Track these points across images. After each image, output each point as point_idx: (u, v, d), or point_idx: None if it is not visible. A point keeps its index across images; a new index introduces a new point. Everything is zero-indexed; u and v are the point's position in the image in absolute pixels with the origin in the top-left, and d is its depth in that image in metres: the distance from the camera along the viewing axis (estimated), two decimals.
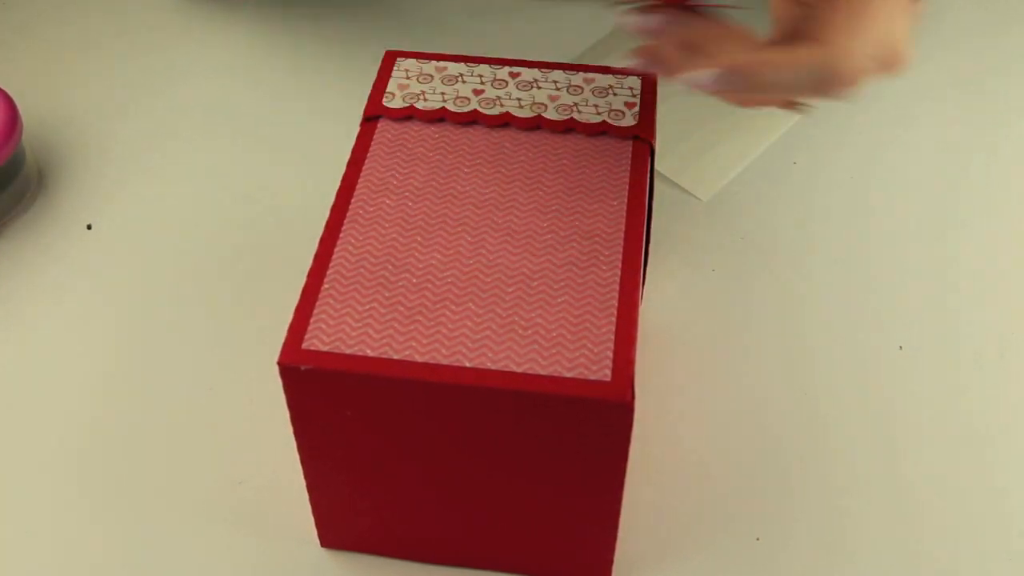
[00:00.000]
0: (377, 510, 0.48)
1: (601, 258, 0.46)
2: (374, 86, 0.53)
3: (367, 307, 0.44)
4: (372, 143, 0.51)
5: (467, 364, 0.42)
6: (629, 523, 0.51)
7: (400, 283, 0.45)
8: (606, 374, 0.41)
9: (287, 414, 0.45)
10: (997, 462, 0.54)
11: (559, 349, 0.42)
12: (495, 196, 0.48)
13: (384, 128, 0.51)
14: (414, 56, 0.55)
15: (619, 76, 0.54)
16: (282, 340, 0.43)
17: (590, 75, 0.54)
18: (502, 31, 0.78)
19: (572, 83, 0.53)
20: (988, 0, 0.82)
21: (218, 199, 0.67)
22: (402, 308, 0.44)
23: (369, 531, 0.49)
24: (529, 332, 0.43)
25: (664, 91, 0.73)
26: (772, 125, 0.71)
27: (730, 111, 0.72)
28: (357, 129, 0.52)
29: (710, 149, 0.70)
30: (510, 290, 0.44)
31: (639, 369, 0.58)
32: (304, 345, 0.42)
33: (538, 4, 0.81)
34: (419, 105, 0.52)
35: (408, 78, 0.53)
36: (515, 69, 0.54)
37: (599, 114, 0.52)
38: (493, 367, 0.42)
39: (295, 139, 0.71)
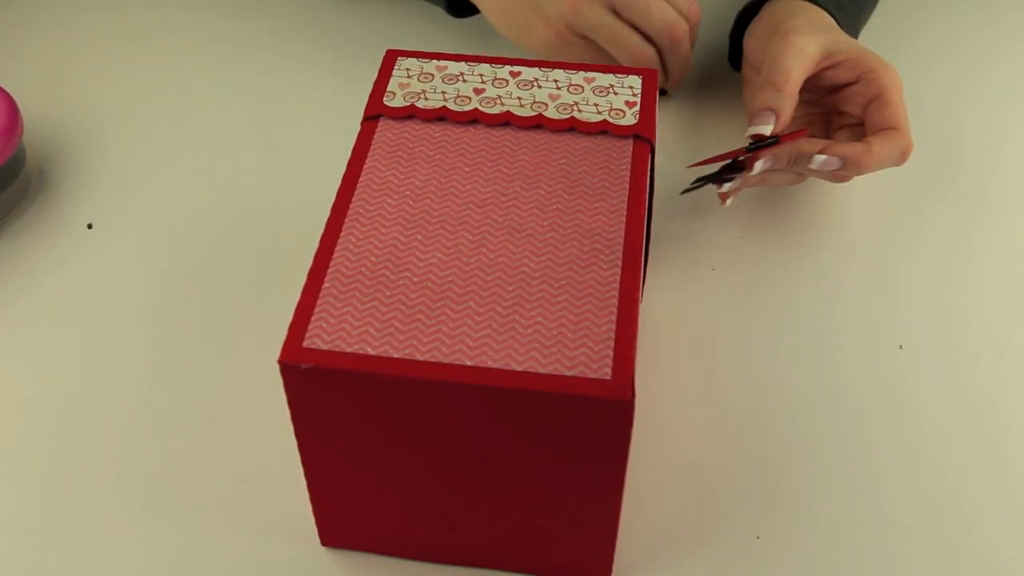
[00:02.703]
0: (377, 509, 0.48)
1: (601, 257, 0.46)
2: (375, 85, 0.53)
3: (368, 306, 0.44)
4: (373, 142, 0.51)
5: (467, 362, 0.42)
6: (629, 523, 0.52)
7: (401, 282, 0.45)
8: (606, 372, 0.41)
9: (288, 413, 0.45)
10: (997, 461, 0.54)
11: (559, 347, 0.42)
12: (496, 195, 0.48)
13: (385, 127, 0.51)
14: (415, 55, 0.55)
15: (619, 75, 0.54)
16: (283, 339, 0.43)
17: (590, 74, 0.54)
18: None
19: (572, 82, 0.53)
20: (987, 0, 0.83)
21: (218, 199, 0.67)
22: (403, 307, 0.44)
23: (369, 530, 0.49)
24: (529, 330, 0.43)
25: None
26: None
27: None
28: (357, 128, 0.52)
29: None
30: (510, 289, 0.44)
31: (639, 368, 0.58)
32: (305, 344, 0.42)
33: None
34: (420, 104, 0.52)
35: (409, 77, 0.53)
36: (515, 68, 0.54)
37: (599, 113, 0.52)
38: (493, 365, 0.42)
39: (295, 139, 0.71)
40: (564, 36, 0.67)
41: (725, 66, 0.75)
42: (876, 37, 0.78)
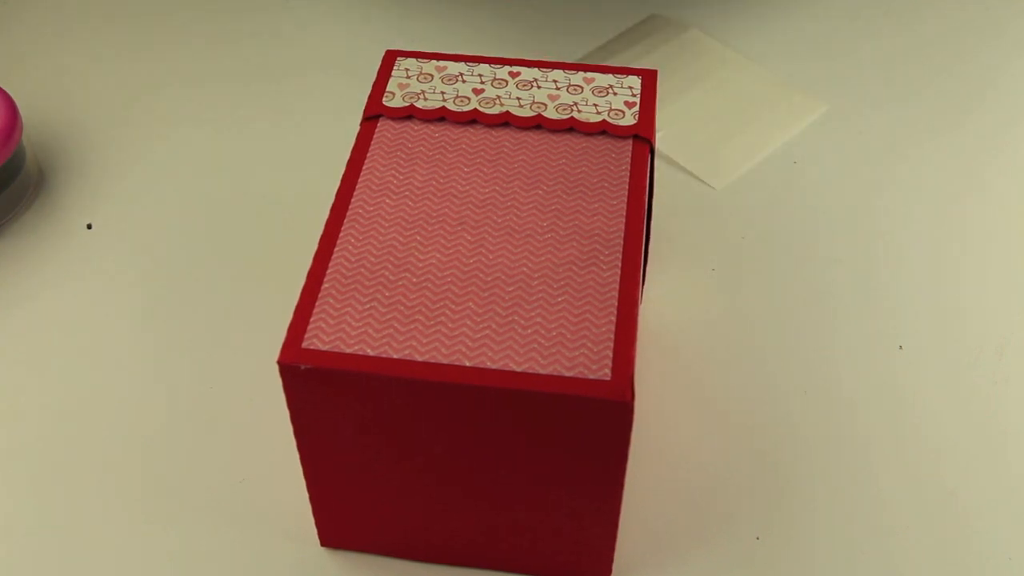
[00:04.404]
0: (377, 509, 0.48)
1: (601, 257, 0.46)
2: (374, 85, 0.53)
3: (367, 306, 0.44)
4: (372, 142, 0.51)
5: (467, 363, 0.42)
6: (629, 523, 0.52)
7: (400, 282, 0.45)
8: (606, 373, 0.41)
9: (287, 413, 0.45)
10: (997, 461, 0.54)
11: (559, 348, 0.42)
12: (495, 195, 0.48)
13: (384, 127, 0.51)
14: (414, 55, 0.55)
15: (619, 75, 0.54)
16: (282, 339, 0.43)
17: (590, 74, 0.54)
18: (502, 30, 0.79)
19: (572, 82, 0.53)
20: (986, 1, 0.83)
21: (218, 199, 0.67)
22: (402, 307, 0.44)
23: (369, 530, 0.49)
24: (529, 331, 0.43)
25: (682, 86, 0.73)
26: (789, 120, 0.71)
27: (749, 105, 0.72)
28: (357, 129, 0.52)
29: (727, 141, 0.70)
30: (510, 289, 0.44)
31: (639, 369, 0.58)
32: (304, 344, 0.42)
33: (539, 3, 0.81)
34: (419, 104, 0.52)
35: (408, 77, 0.53)
36: (515, 68, 0.54)
37: (599, 113, 0.52)
38: (493, 366, 0.42)
39: (294, 139, 0.71)
40: None
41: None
42: (874, 33, 0.78)
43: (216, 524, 0.52)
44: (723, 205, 0.66)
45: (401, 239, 0.46)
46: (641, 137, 0.51)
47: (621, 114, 0.52)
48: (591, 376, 0.41)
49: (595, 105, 0.52)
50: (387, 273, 0.45)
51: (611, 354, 0.42)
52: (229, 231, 0.65)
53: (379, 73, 0.54)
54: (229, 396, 0.57)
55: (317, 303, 0.44)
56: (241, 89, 0.75)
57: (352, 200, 0.48)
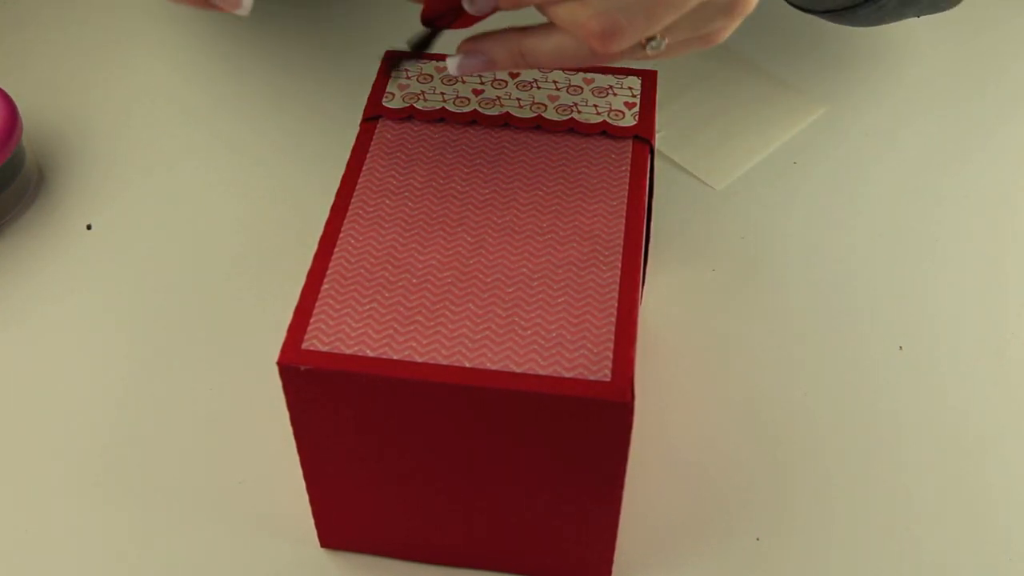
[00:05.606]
0: (377, 510, 0.48)
1: (601, 258, 0.46)
2: (374, 86, 0.53)
3: (367, 307, 0.44)
4: (372, 143, 0.51)
5: (467, 364, 0.42)
6: (629, 523, 0.51)
7: (400, 283, 0.45)
8: (606, 374, 0.41)
9: (287, 414, 0.45)
10: (996, 462, 0.54)
11: (559, 349, 0.42)
12: (495, 196, 0.48)
13: (384, 128, 0.51)
14: (414, 56, 0.55)
15: (619, 76, 0.54)
16: (282, 340, 0.43)
17: (590, 75, 0.54)
18: None
19: (572, 83, 0.53)
20: None
21: (218, 199, 0.67)
22: (402, 308, 0.44)
23: (369, 531, 0.49)
24: (529, 332, 0.43)
25: (682, 86, 0.73)
26: (789, 121, 0.71)
27: (749, 106, 0.72)
28: (357, 129, 0.52)
29: (727, 141, 0.70)
30: (510, 290, 0.44)
31: (639, 369, 0.58)
32: (304, 345, 0.42)
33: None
34: (419, 105, 0.52)
35: (408, 78, 0.53)
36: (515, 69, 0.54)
37: (599, 114, 0.52)
38: (493, 367, 0.42)
39: (294, 139, 0.71)
40: None
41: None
42: (874, 34, 0.78)
43: (216, 526, 0.52)
44: (723, 205, 0.66)
45: (401, 240, 0.46)
46: (641, 138, 0.51)
47: (621, 115, 0.52)
48: (591, 377, 0.41)
49: (595, 106, 0.52)
50: (387, 274, 0.45)
51: (611, 355, 0.42)
52: (229, 231, 0.65)
53: (379, 74, 0.54)
54: (228, 397, 0.57)
55: (317, 304, 0.44)
56: (241, 89, 0.75)
57: (352, 200, 0.48)
